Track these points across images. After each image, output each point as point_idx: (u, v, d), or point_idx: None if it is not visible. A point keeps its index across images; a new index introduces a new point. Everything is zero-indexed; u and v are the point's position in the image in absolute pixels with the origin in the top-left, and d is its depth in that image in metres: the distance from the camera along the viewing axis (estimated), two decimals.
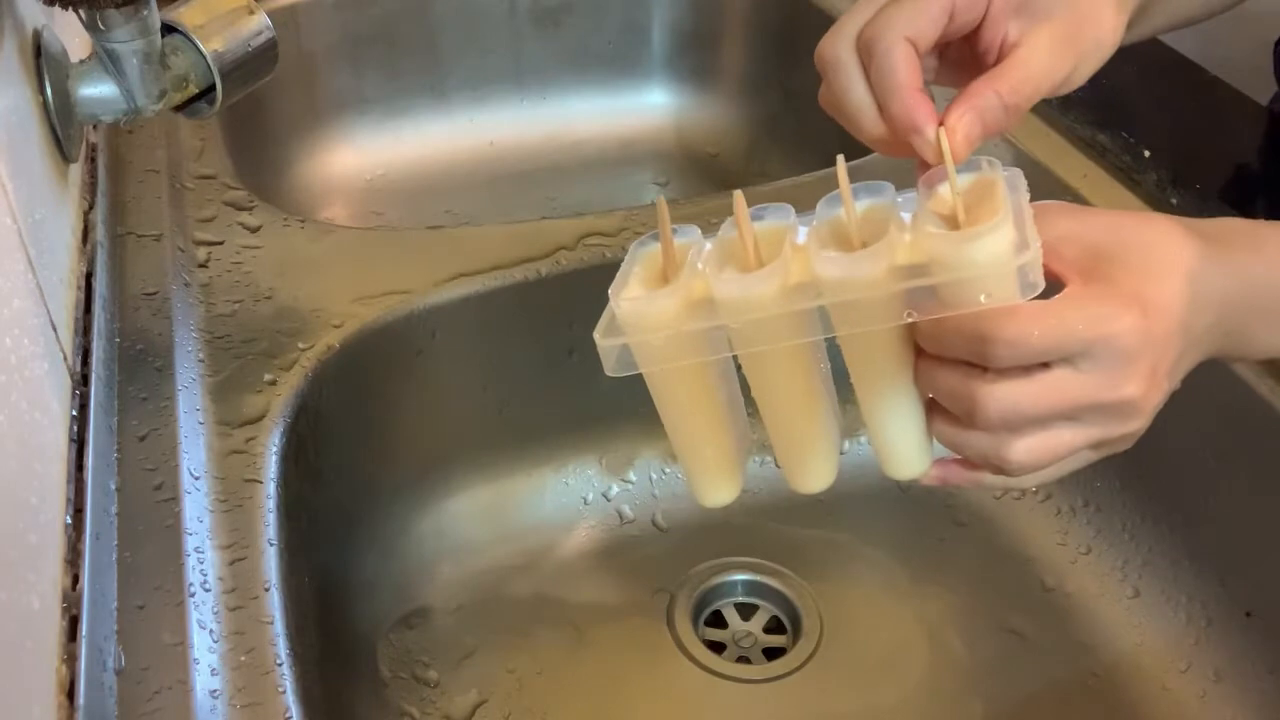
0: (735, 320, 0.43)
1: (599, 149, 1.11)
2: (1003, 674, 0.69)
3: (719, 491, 0.49)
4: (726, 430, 0.48)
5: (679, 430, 0.48)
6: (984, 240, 0.40)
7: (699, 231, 0.46)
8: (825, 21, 0.99)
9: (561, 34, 1.10)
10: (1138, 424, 0.44)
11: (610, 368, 0.44)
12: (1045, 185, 0.77)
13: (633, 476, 0.79)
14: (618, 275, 0.45)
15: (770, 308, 0.42)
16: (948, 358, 0.43)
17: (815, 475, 0.49)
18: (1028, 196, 0.43)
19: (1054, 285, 0.42)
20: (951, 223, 0.41)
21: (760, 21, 1.10)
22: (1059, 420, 0.43)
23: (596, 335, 0.44)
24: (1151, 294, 0.42)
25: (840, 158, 0.42)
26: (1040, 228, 0.41)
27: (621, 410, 0.77)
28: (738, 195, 0.43)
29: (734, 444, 0.49)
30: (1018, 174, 0.43)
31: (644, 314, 0.43)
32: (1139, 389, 0.42)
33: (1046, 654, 0.70)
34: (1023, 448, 0.43)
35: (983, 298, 0.41)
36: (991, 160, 0.44)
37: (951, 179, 0.42)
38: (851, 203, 0.42)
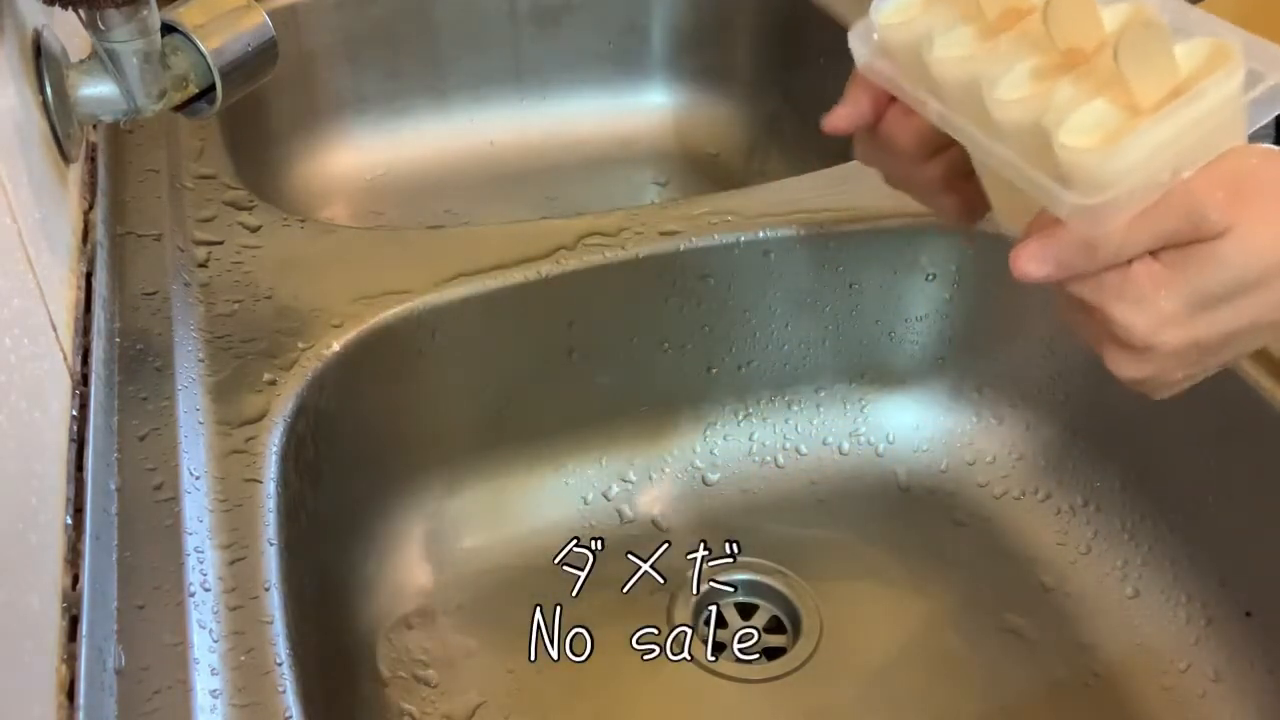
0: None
1: (599, 149, 1.11)
2: (1002, 673, 0.69)
3: None
4: None
5: None
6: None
7: None
8: (826, 21, 0.99)
9: (561, 34, 1.10)
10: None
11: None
12: None
13: (633, 476, 0.79)
14: None
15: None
16: None
17: None
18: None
19: None
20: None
21: (761, 21, 1.10)
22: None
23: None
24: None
25: None
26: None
27: (621, 410, 0.76)
28: None
29: None
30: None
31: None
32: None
33: (1046, 654, 0.70)
34: None
35: None
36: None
37: None
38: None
